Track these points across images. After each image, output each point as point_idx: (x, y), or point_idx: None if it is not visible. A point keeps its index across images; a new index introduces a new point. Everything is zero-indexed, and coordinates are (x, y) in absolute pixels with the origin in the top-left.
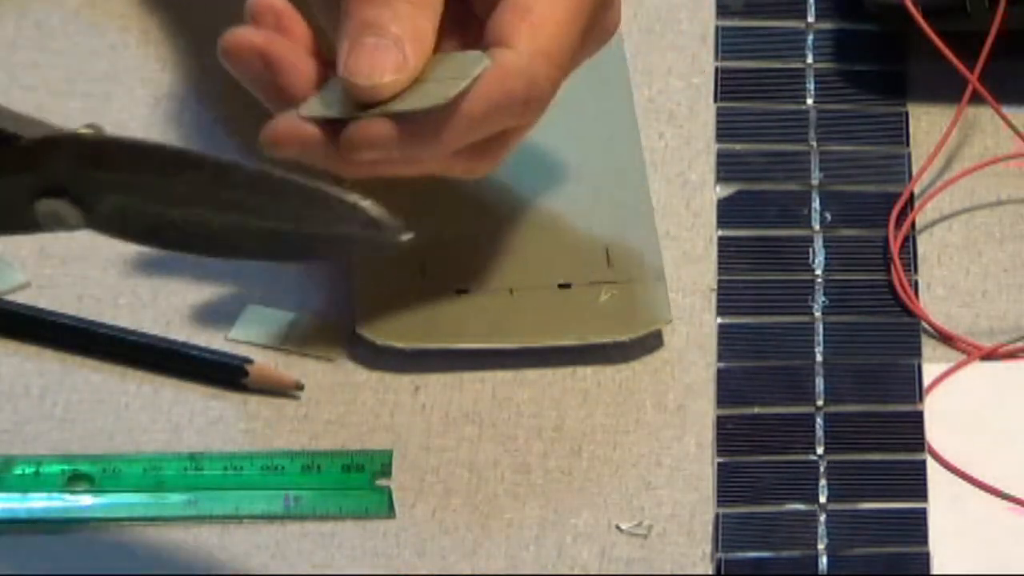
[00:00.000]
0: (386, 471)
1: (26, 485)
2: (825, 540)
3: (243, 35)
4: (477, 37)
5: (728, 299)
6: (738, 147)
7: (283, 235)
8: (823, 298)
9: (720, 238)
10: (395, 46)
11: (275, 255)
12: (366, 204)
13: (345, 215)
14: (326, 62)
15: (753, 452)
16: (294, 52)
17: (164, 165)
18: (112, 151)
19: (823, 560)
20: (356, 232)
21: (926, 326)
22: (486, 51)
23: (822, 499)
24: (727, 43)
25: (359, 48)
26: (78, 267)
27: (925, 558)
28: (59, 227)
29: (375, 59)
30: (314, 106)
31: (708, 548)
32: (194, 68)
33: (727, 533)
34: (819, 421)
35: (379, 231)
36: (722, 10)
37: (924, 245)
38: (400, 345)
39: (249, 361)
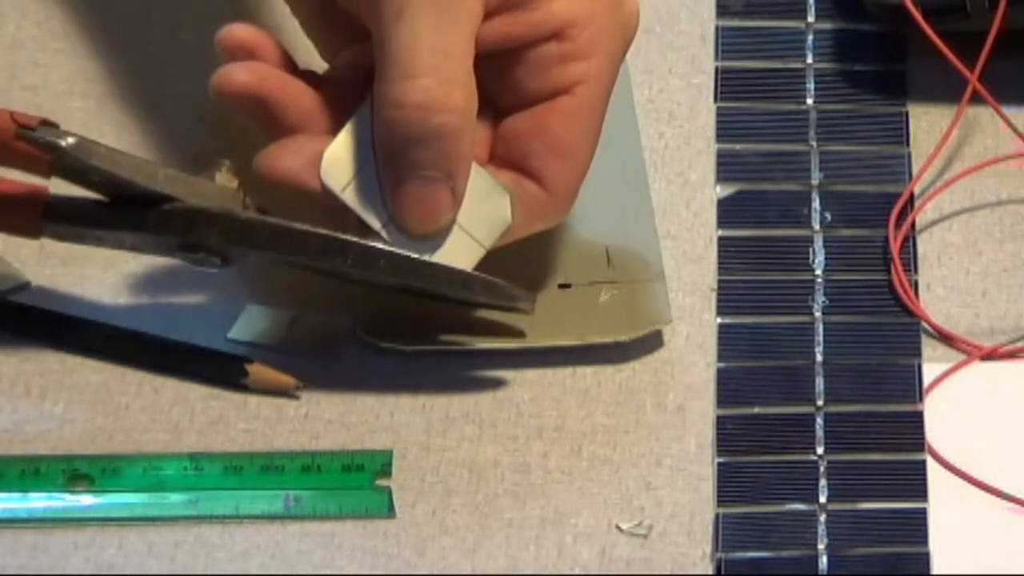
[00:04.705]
0: (386, 471)
1: (26, 485)
2: (825, 540)
3: (234, 76)
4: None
5: (728, 299)
6: (738, 147)
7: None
8: (823, 298)
9: (720, 238)
10: (446, 183)
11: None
12: (504, 284)
13: (485, 292)
14: (315, 85)
15: (753, 452)
16: (286, 87)
17: (310, 249)
18: (262, 232)
19: (823, 560)
20: (492, 304)
21: (926, 326)
22: (514, 179)
23: (822, 499)
24: (727, 43)
25: (408, 189)
26: (78, 267)
27: (925, 558)
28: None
29: (427, 206)
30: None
31: (708, 548)
32: (194, 69)
33: (727, 533)
34: (819, 421)
35: (514, 303)
36: (722, 10)
37: (924, 245)
38: (401, 346)
39: (249, 361)
